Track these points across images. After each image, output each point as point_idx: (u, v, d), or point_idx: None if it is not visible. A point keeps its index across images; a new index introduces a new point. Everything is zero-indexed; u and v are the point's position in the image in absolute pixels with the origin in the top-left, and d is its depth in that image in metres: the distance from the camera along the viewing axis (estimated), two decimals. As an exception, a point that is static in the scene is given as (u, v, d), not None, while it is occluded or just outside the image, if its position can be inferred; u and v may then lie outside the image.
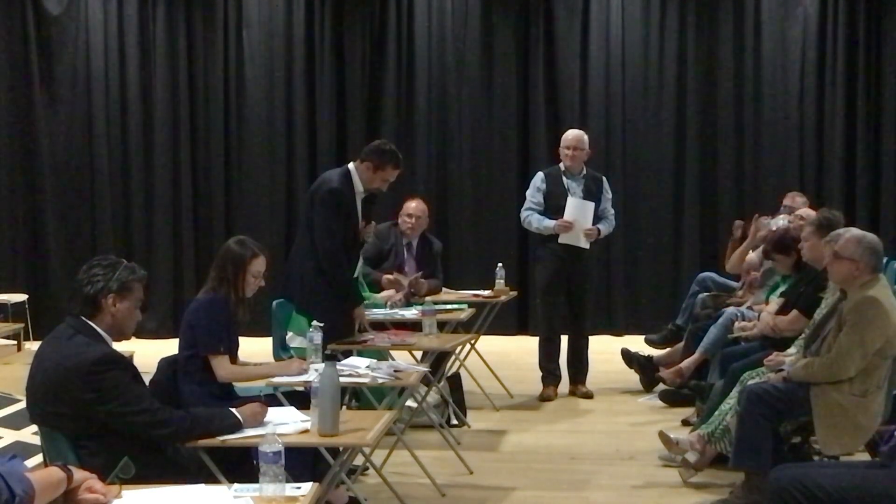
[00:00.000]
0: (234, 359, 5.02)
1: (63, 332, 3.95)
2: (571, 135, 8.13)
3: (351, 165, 6.47)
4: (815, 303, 5.91)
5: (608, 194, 8.19)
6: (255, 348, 6.38)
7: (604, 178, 8.26)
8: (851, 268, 5.12)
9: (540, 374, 8.26)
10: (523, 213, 8.12)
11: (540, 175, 8.16)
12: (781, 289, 6.74)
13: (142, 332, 9.88)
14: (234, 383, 5.06)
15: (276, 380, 5.04)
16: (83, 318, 3.93)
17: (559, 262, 8.02)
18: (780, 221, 7.44)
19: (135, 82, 11.29)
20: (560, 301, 8.13)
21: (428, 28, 11.42)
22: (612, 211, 8.25)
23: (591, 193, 8.00)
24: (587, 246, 8.01)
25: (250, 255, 5.05)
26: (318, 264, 6.28)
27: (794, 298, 6.35)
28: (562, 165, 8.10)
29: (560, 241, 7.92)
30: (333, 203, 6.27)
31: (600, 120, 11.35)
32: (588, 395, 8.14)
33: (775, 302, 6.60)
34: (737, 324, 6.95)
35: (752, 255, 7.84)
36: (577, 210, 7.87)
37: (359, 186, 6.40)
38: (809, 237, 6.16)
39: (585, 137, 8.12)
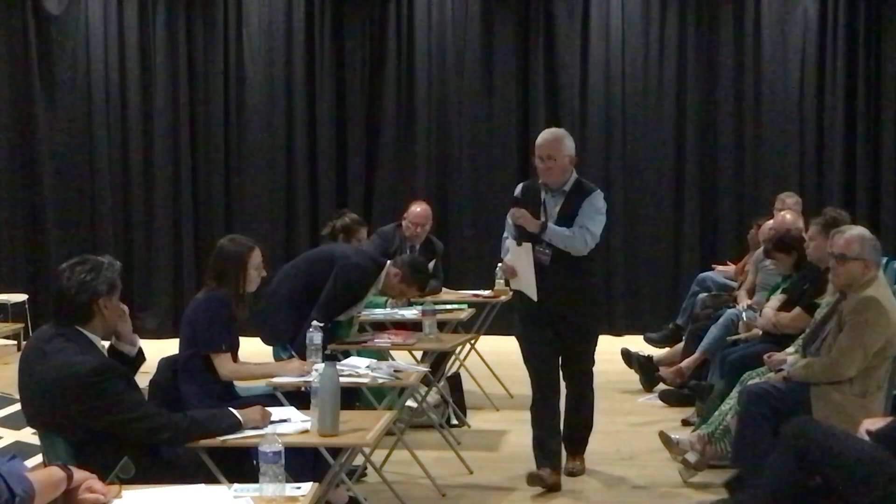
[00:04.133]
0: (234, 358, 5.03)
1: (50, 337, 3.89)
2: (542, 140, 5.84)
3: (388, 262, 6.52)
4: (815, 302, 5.92)
5: (590, 210, 5.86)
6: (254, 348, 6.38)
7: (595, 193, 5.96)
8: (861, 267, 5.12)
9: None
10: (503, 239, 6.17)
11: (518, 189, 6.10)
12: (782, 289, 6.74)
13: (142, 332, 9.78)
14: (235, 383, 5.07)
15: (277, 380, 5.04)
16: (76, 326, 3.90)
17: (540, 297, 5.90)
18: None
19: (135, 83, 11.30)
20: (548, 337, 5.92)
21: (428, 28, 11.43)
22: (589, 230, 5.80)
23: (567, 214, 5.82)
24: (535, 298, 5.80)
25: (247, 249, 5.10)
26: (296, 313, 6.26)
27: (798, 295, 6.36)
28: None
29: (512, 286, 6.17)
30: (354, 279, 6.33)
31: (600, 121, 11.36)
32: (575, 473, 6.11)
33: (777, 298, 6.60)
34: (744, 316, 6.95)
35: (758, 252, 7.84)
36: (517, 256, 5.83)
37: (378, 285, 6.46)
38: (815, 236, 6.17)
39: (564, 142, 5.83)
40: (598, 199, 5.94)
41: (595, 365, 6.15)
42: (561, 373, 6.05)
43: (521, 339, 6.05)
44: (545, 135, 5.90)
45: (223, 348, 4.92)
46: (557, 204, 5.83)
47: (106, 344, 4.06)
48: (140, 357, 4.21)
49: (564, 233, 5.71)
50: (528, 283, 5.78)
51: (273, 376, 5.08)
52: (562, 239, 5.70)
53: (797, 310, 6.21)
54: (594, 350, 6.17)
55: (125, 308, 4.09)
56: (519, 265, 5.80)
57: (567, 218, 5.78)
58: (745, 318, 6.76)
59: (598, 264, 6.85)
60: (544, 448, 5.81)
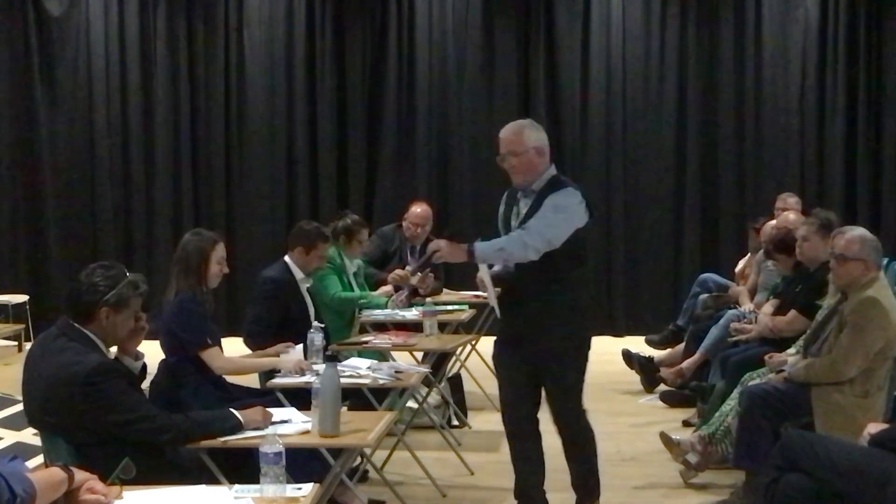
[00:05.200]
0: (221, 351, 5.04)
1: (55, 337, 3.90)
2: (501, 136, 5.02)
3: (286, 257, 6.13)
4: (812, 303, 5.92)
5: (544, 209, 4.83)
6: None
7: (561, 190, 4.88)
8: (861, 267, 5.13)
9: None
10: None
11: (504, 196, 5.26)
12: (780, 290, 6.75)
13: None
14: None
15: (278, 381, 5.05)
16: (76, 324, 3.89)
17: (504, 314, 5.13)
18: None
19: (135, 83, 11.32)
20: (515, 362, 5.03)
21: (429, 30, 11.44)
22: (533, 230, 4.78)
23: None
24: (499, 315, 5.15)
25: (210, 243, 5.12)
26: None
27: (791, 298, 6.37)
28: None
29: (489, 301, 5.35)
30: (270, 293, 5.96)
31: (601, 122, 11.38)
32: None
33: (770, 303, 6.61)
34: (732, 324, 6.96)
35: (760, 253, 7.85)
36: (482, 269, 5.08)
37: (298, 273, 6.09)
38: (811, 236, 6.17)
39: (524, 133, 4.93)
40: (560, 196, 4.86)
41: (582, 401, 5.07)
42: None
43: (493, 361, 5.25)
44: (503, 130, 5.02)
45: (209, 342, 4.94)
46: (528, 203, 4.95)
47: (113, 350, 4.04)
48: (143, 372, 4.20)
49: (495, 247, 4.81)
50: (491, 298, 5.12)
51: (270, 367, 5.08)
52: (496, 255, 4.86)
53: (793, 313, 6.22)
54: (575, 382, 5.00)
55: (143, 326, 4.06)
56: (485, 278, 5.06)
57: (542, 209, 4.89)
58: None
59: (583, 274, 5.07)
60: (525, 498, 5.15)
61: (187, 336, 4.91)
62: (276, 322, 5.68)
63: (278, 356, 5.27)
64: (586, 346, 5.04)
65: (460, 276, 10.49)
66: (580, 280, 5.06)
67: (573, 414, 5.05)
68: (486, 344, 8.56)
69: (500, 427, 7.30)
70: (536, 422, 5.10)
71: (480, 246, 4.76)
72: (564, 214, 4.81)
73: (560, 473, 6.10)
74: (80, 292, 3.88)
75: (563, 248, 4.79)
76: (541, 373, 4.97)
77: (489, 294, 5.12)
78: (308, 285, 6.11)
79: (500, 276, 5.04)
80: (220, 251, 5.14)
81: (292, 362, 4.73)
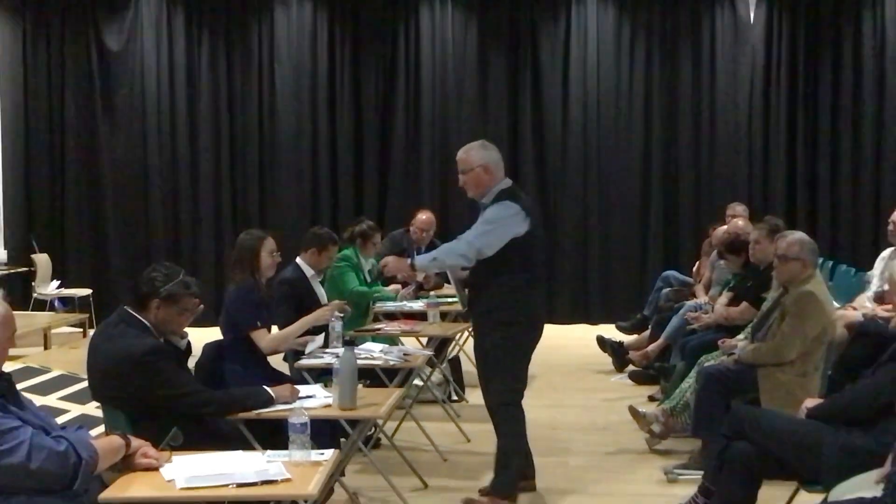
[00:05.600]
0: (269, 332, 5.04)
1: (115, 324, 3.90)
2: (457, 156, 4.93)
3: (298, 259, 5.91)
4: (759, 296, 5.93)
5: (479, 221, 4.77)
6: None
7: (495, 204, 4.75)
8: (800, 266, 5.12)
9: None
10: None
11: None
12: (732, 285, 6.75)
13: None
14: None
15: (305, 362, 5.04)
16: (133, 311, 3.90)
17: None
18: None
19: (182, 108, 11.32)
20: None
21: (432, 63, 11.43)
22: (463, 241, 4.69)
23: None
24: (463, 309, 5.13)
25: (259, 238, 5.15)
26: None
27: (743, 293, 6.36)
28: None
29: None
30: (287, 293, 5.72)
31: (578, 139, 11.37)
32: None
33: (725, 296, 6.62)
34: (689, 314, 6.96)
35: (713, 254, 7.84)
36: (451, 275, 5.06)
37: (309, 271, 5.90)
38: (761, 240, 6.17)
39: (471, 153, 4.84)
40: (494, 210, 4.71)
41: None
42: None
43: None
44: (460, 151, 4.90)
45: (258, 325, 4.93)
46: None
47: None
48: (188, 350, 4.20)
49: (429, 257, 4.78)
50: (459, 296, 5.10)
51: (307, 326, 5.07)
52: (431, 264, 4.78)
53: (744, 304, 6.21)
54: (498, 378, 4.71)
55: (189, 316, 4.02)
56: (452, 280, 5.06)
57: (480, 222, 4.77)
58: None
59: (526, 280, 4.67)
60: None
61: (241, 319, 4.90)
62: (295, 318, 5.62)
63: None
64: (513, 351, 4.67)
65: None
66: (512, 286, 4.65)
67: (492, 409, 4.79)
68: (481, 331, 8.60)
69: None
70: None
71: (419, 258, 4.76)
72: (494, 226, 4.64)
73: (542, 441, 6.11)
74: (140, 284, 3.91)
75: (498, 255, 4.61)
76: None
77: (457, 293, 5.08)
78: (320, 280, 6.09)
79: (464, 279, 4.92)
80: (269, 245, 5.14)
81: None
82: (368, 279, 6.96)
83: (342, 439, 4.48)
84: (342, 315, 5.42)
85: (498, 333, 4.67)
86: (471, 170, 4.78)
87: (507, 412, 4.75)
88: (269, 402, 4.01)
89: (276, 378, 4.71)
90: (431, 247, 8.08)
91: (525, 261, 4.66)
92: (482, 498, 4.75)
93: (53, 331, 9.13)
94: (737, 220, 7.76)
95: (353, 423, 4.38)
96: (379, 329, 6.35)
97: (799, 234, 5.29)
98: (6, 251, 10.69)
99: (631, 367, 7.96)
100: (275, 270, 5.26)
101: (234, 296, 4.99)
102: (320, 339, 5.28)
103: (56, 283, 10.57)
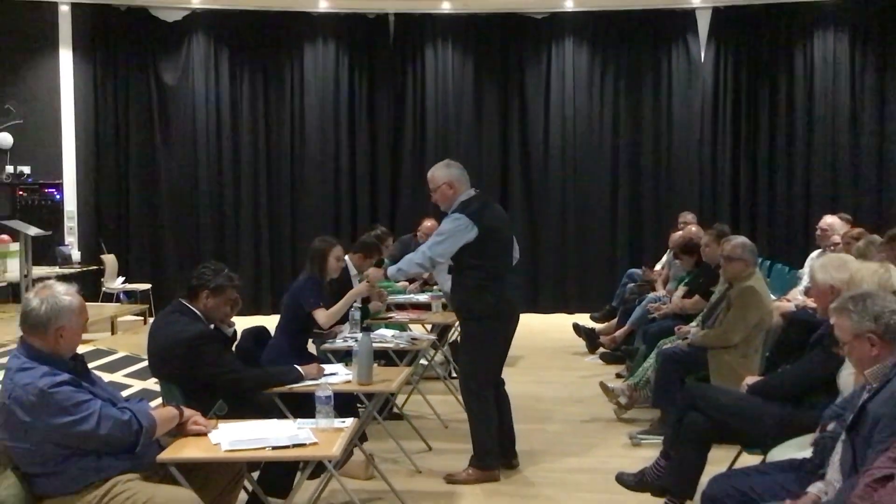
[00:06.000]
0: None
1: (170, 313, 3.91)
2: (427, 176, 4.81)
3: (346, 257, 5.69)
4: (709, 290, 5.93)
5: (433, 234, 4.73)
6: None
7: (448, 217, 4.63)
8: (742, 265, 5.14)
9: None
10: None
11: None
12: (685, 281, 6.75)
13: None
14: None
15: (328, 346, 5.05)
16: (185, 301, 3.91)
17: None
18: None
19: (227, 133, 11.30)
20: None
21: (435, 91, 11.42)
22: (420, 252, 4.62)
23: None
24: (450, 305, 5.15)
25: (328, 245, 5.23)
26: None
27: (696, 287, 6.37)
28: None
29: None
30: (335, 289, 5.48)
31: (558, 157, 11.36)
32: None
33: (681, 290, 6.62)
34: (650, 305, 6.96)
35: (669, 255, 7.84)
36: (437, 274, 5.15)
37: (353, 271, 5.94)
38: (710, 243, 6.18)
39: (435, 173, 4.74)
40: (445, 223, 4.60)
41: (478, 381, 4.54)
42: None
43: None
44: (428, 172, 4.80)
45: (320, 304, 5.02)
46: None
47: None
48: (234, 336, 4.21)
49: (396, 267, 4.63)
50: (445, 294, 4.97)
51: (351, 301, 5.09)
52: (397, 273, 4.65)
53: (696, 297, 6.22)
54: (467, 363, 4.62)
55: (237, 305, 4.06)
56: (438, 280, 5.11)
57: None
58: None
59: (484, 277, 4.50)
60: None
61: (306, 301, 4.99)
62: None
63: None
64: (483, 341, 4.55)
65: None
66: (477, 284, 4.51)
67: (464, 387, 4.66)
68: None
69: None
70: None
71: (390, 269, 4.61)
72: (444, 237, 4.51)
73: (527, 411, 6.10)
74: (192, 278, 3.94)
75: (455, 259, 4.53)
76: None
77: (443, 291, 4.97)
78: (359, 279, 6.11)
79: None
80: (336, 251, 5.22)
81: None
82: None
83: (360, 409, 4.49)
84: (360, 306, 5.43)
85: (471, 326, 4.58)
86: (437, 187, 4.66)
87: (475, 395, 4.60)
88: (299, 378, 4.03)
89: (306, 357, 4.72)
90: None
91: (481, 260, 4.50)
92: (461, 472, 4.64)
93: (119, 319, 9.14)
94: (690, 226, 7.77)
95: (370, 396, 4.38)
96: (391, 317, 6.35)
97: (741, 238, 5.31)
98: (80, 253, 10.69)
99: (601, 350, 7.96)
100: (339, 273, 5.29)
101: (303, 283, 5.08)
102: (346, 327, 5.32)
103: (121, 279, 10.58)
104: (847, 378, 3.36)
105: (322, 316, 4.99)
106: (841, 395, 3.33)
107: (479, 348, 4.58)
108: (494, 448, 4.64)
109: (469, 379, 4.62)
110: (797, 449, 3.29)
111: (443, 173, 4.66)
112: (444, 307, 6.97)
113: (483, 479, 4.59)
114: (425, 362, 6.61)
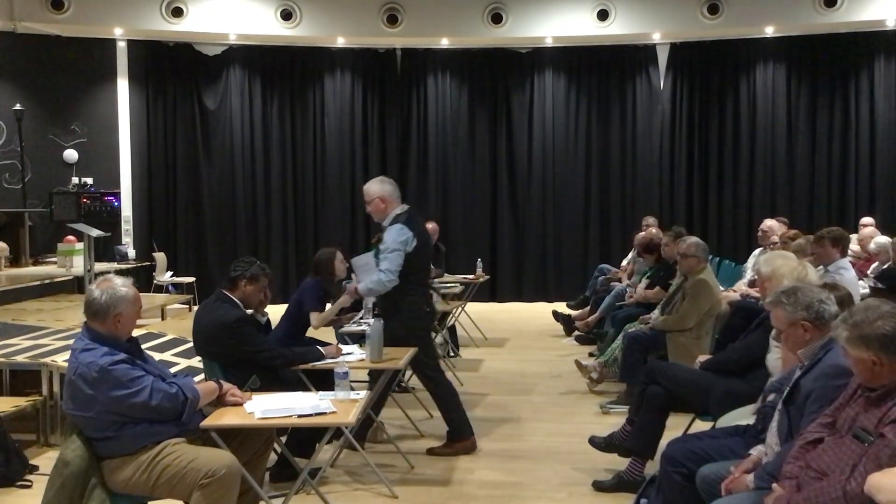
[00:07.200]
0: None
1: (212, 301, 3.92)
2: (363, 190, 4.48)
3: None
4: (667, 283, 5.94)
5: (383, 250, 4.32)
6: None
7: (388, 229, 4.33)
8: (695, 261, 5.14)
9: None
10: None
11: None
12: (648, 275, 6.75)
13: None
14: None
15: (345, 329, 5.03)
16: (226, 291, 3.91)
17: None
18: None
19: (260, 151, 11.27)
20: None
21: (436, 114, 11.39)
22: (379, 271, 4.29)
23: (381, 247, 4.37)
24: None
25: (333, 253, 5.12)
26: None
27: (657, 280, 6.37)
28: None
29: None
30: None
31: (539, 171, 11.34)
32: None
33: (644, 282, 6.62)
34: (627, 298, 6.95)
35: (633, 253, 7.82)
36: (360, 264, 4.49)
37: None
38: (669, 243, 6.18)
39: (370, 188, 4.41)
40: (391, 234, 4.28)
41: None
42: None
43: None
44: (364, 186, 4.45)
45: (316, 307, 4.93)
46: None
47: (250, 311, 4.04)
48: (268, 325, 4.21)
49: (365, 289, 4.34)
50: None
51: (340, 305, 4.90)
52: (367, 293, 4.38)
53: (657, 288, 6.22)
54: (420, 358, 4.31)
55: (268, 296, 4.03)
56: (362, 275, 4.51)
57: (382, 250, 4.30)
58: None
59: (411, 283, 4.31)
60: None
61: (308, 302, 4.89)
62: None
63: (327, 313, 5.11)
64: (420, 333, 4.36)
65: (455, 266, 10.54)
66: (404, 292, 4.29)
67: (424, 378, 4.47)
68: (471, 307, 8.61)
69: (478, 356, 7.35)
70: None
71: (360, 287, 4.32)
72: (393, 253, 4.23)
73: (513, 385, 6.08)
74: (230, 271, 3.94)
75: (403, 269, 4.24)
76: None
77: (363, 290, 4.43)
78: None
79: None
80: (338, 256, 5.07)
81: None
82: None
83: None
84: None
85: (399, 324, 4.28)
86: (371, 201, 4.36)
87: (433, 380, 4.45)
88: (321, 357, 4.02)
89: (306, 343, 4.69)
90: (436, 248, 8.09)
91: (409, 271, 4.26)
92: (441, 446, 4.45)
93: (167, 307, 9.08)
94: (651, 228, 7.76)
95: (380, 372, 4.37)
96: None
97: (695, 239, 5.31)
98: (135, 251, 10.69)
99: (577, 333, 7.95)
100: (346, 273, 5.24)
101: (309, 286, 4.99)
102: (359, 314, 5.30)
103: (169, 273, 10.56)
104: (774, 362, 3.37)
105: (314, 318, 4.89)
106: (770, 375, 3.33)
107: (415, 341, 4.31)
108: (465, 419, 4.47)
109: (424, 368, 4.43)
110: (742, 417, 3.29)
111: (376, 188, 4.35)
112: (444, 297, 6.98)
113: (461, 450, 4.42)
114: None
